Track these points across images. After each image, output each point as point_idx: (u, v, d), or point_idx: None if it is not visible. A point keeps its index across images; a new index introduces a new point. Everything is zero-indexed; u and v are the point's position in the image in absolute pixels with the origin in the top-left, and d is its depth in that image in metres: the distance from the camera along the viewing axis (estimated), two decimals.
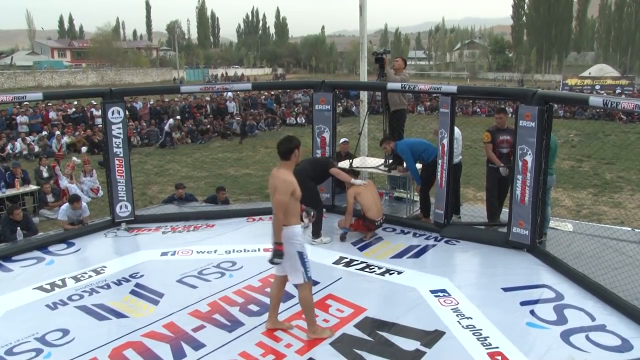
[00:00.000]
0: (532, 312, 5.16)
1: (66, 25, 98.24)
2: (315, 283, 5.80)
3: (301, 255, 4.49)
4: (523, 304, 5.33)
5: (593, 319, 5.05)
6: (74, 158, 13.37)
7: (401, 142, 7.72)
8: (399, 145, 7.64)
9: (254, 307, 5.30)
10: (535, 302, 5.38)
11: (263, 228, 7.71)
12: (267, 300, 5.42)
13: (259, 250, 6.83)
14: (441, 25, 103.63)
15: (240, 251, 6.80)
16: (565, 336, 4.72)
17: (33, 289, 5.80)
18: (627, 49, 74.47)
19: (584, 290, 5.58)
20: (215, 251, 6.82)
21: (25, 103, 18.59)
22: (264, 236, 7.31)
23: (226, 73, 69.36)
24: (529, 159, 6.34)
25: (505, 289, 5.65)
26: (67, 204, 8.06)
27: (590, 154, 16.26)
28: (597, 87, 39.56)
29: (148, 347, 4.58)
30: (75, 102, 21.62)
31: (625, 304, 5.11)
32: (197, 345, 4.62)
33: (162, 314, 5.18)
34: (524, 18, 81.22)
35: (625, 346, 4.58)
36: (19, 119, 18.54)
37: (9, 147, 16.33)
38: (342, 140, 9.67)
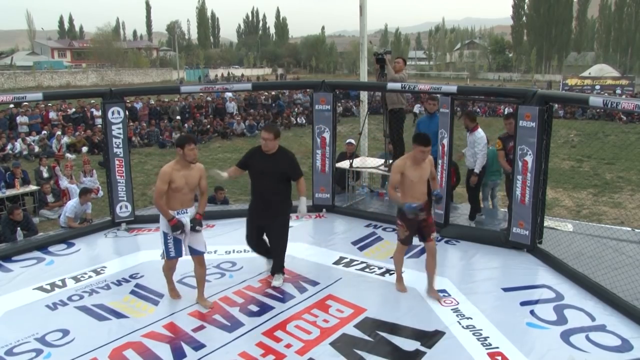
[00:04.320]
0: (532, 312, 5.15)
1: (66, 25, 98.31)
2: (315, 283, 5.83)
3: (164, 235, 5.16)
4: (523, 304, 5.33)
5: (593, 319, 5.04)
6: (67, 155, 13.37)
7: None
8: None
9: (253, 308, 5.30)
10: (536, 302, 5.37)
11: None
12: (267, 301, 5.44)
13: None
14: (441, 25, 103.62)
15: (240, 252, 6.79)
16: (566, 336, 4.72)
17: (33, 289, 5.79)
18: (627, 49, 74.59)
19: (584, 291, 5.57)
20: (215, 251, 6.81)
21: (25, 103, 18.59)
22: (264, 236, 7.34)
23: (222, 74, 69.33)
24: (529, 159, 6.34)
25: (506, 289, 5.65)
26: (73, 200, 8.11)
27: (590, 154, 16.27)
28: (597, 87, 39.57)
29: (148, 348, 4.58)
30: (69, 102, 21.60)
31: (625, 304, 5.11)
32: (197, 346, 4.62)
33: (162, 314, 5.18)
34: (524, 18, 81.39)
35: (626, 346, 4.57)
36: (19, 119, 18.55)
37: (9, 147, 16.34)
38: (347, 141, 9.67)
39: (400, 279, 5.71)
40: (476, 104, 26.24)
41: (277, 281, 5.81)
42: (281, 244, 5.80)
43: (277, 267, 5.86)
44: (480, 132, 7.45)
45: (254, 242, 5.97)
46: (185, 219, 5.15)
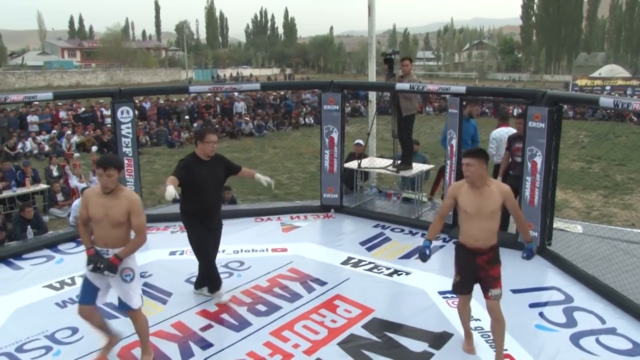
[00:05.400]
0: (541, 315, 5.13)
1: (76, 25, 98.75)
2: (324, 283, 5.83)
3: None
4: (532, 306, 5.30)
5: (603, 321, 5.01)
6: (76, 154, 13.44)
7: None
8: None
9: (261, 307, 5.30)
10: (545, 304, 5.35)
11: (271, 228, 7.74)
12: (275, 300, 5.44)
13: (267, 250, 6.84)
14: (450, 25, 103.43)
15: (249, 251, 6.81)
16: (575, 339, 4.69)
17: (43, 287, 5.83)
18: (638, 50, 74.09)
19: (594, 293, 5.54)
20: (223, 251, 6.78)
21: (36, 103, 18.72)
22: (272, 236, 7.36)
23: (231, 74, 69.52)
24: (539, 160, 6.31)
25: (514, 291, 5.62)
26: (78, 200, 8.13)
27: (600, 155, 16.16)
28: (608, 88, 39.25)
29: (156, 346, 4.59)
30: (79, 102, 21.72)
31: (636, 306, 5.07)
32: (205, 345, 4.63)
33: (170, 313, 5.19)
34: (533, 18, 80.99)
35: (636, 350, 4.54)
36: (30, 118, 18.66)
37: (19, 146, 16.46)
38: (356, 141, 9.66)
39: (467, 335, 4.56)
40: (485, 104, 26.14)
41: (226, 297, 5.46)
42: (215, 255, 5.53)
43: (219, 282, 5.47)
44: (498, 131, 7.43)
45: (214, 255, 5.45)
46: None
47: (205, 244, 5.32)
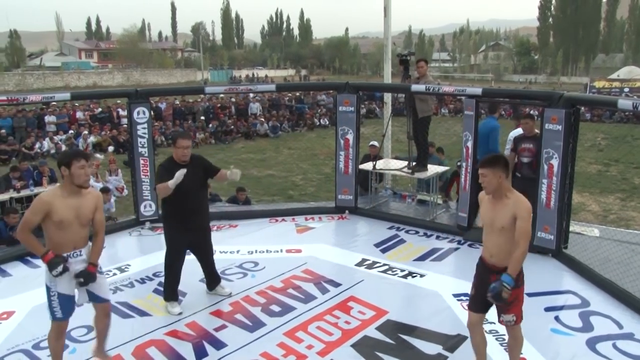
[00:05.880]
0: (557, 319, 5.08)
1: (93, 26, 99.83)
2: (337, 285, 5.82)
3: (47, 289, 3.98)
4: (547, 309, 5.25)
5: (620, 327, 4.94)
6: (97, 155, 13.57)
7: None
8: None
9: (275, 308, 5.31)
10: (561, 308, 5.29)
11: (286, 229, 7.75)
12: (289, 301, 5.44)
13: (281, 251, 6.85)
14: (466, 26, 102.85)
15: (263, 252, 6.82)
16: (592, 344, 4.63)
17: None
18: None
19: (611, 297, 5.46)
20: (238, 251, 6.85)
21: (53, 103, 18.93)
22: (286, 237, 7.37)
23: (246, 75, 69.79)
24: (555, 162, 6.25)
25: (529, 294, 5.53)
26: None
27: (618, 158, 15.98)
28: (626, 89, 38.75)
29: (170, 346, 4.62)
30: (97, 102, 21.92)
31: None
32: (219, 345, 4.65)
33: (185, 313, 5.21)
34: (550, 19, 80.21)
35: None
36: (47, 118, 18.88)
37: (37, 145, 16.66)
38: (371, 143, 9.64)
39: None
40: (501, 106, 25.94)
41: (227, 288, 5.65)
42: (212, 254, 5.61)
43: (218, 277, 5.68)
44: (517, 131, 7.39)
45: (180, 265, 5.37)
46: (78, 265, 3.97)
47: (176, 255, 5.29)
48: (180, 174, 4.83)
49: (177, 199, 5.05)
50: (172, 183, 4.84)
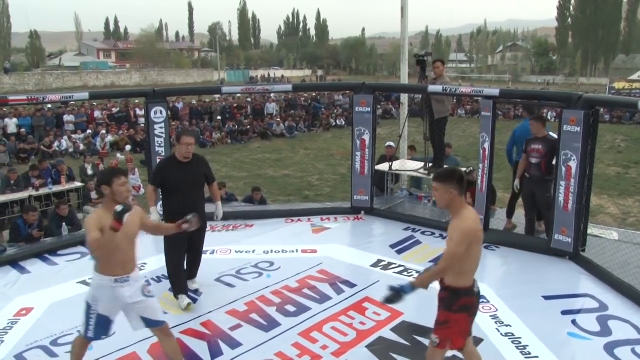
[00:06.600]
0: (574, 322, 5.02)
1: (112, 27, 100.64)
2: (353, 285, 5.81)
3: (87, 307, 3.90)
4: (564, 313, 5.19)
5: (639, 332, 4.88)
6: (119, 155, 13.70)
7: None
8: None
9: (290, 308, 5.32)
10: (578, 311, 5.23)
11: (301, 229, 7.76)
12: (304, 301, 5.45)
13: (297, 251, 6.86)
14: (483, 27, 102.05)
15: (279, 252, 6.84)
16: (609, 348, 4.57)
17: (77, 282, 5.95)
18: None
19: (630, 302, 5.39)
20: (253, 251, 6.87)
21: (72, 102, 19.16)
22: (302, 237, 7.38)
23: (263, 75, 70.01)
24: (574, 164, 6.18)
25: (546, 297, 5.52)
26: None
27: (638, 160, 15.77)
28: None
29: (186, 344, 4.65)
30: (116, 102, 22.11)
31: None
32: (234, 344, 4.67)
33: (200, 312, 5.25)
34: (569, 20, 79.31)
35: None
36: (66, 117, 19.12)
37: (55, 144, 16.88)
38: (387, 144, 9.62)
39: None
40: (519, 107, 25.71)
41: (196, 284, 5.74)
42: (202, 253, 5.81)
43: (196, 274, 5.81)
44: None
45: (181, 262, 5.49)
46: (126, 290, 3.81)
47: (176, 253, 5.39)
48: (154, 218, 5.03)
49: (169, 195, 5.25)
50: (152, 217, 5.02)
